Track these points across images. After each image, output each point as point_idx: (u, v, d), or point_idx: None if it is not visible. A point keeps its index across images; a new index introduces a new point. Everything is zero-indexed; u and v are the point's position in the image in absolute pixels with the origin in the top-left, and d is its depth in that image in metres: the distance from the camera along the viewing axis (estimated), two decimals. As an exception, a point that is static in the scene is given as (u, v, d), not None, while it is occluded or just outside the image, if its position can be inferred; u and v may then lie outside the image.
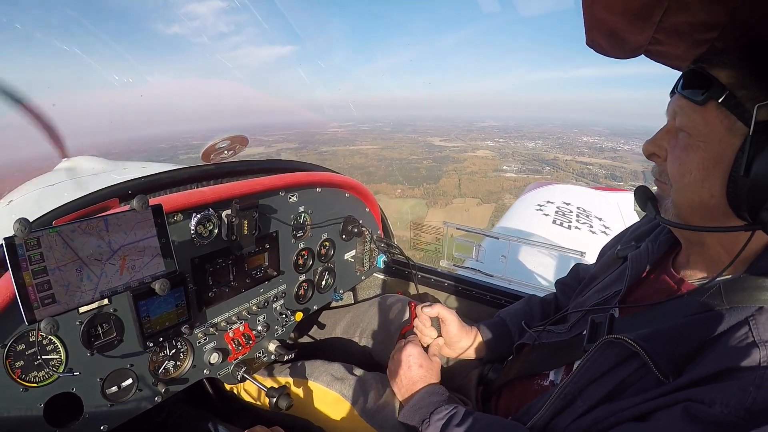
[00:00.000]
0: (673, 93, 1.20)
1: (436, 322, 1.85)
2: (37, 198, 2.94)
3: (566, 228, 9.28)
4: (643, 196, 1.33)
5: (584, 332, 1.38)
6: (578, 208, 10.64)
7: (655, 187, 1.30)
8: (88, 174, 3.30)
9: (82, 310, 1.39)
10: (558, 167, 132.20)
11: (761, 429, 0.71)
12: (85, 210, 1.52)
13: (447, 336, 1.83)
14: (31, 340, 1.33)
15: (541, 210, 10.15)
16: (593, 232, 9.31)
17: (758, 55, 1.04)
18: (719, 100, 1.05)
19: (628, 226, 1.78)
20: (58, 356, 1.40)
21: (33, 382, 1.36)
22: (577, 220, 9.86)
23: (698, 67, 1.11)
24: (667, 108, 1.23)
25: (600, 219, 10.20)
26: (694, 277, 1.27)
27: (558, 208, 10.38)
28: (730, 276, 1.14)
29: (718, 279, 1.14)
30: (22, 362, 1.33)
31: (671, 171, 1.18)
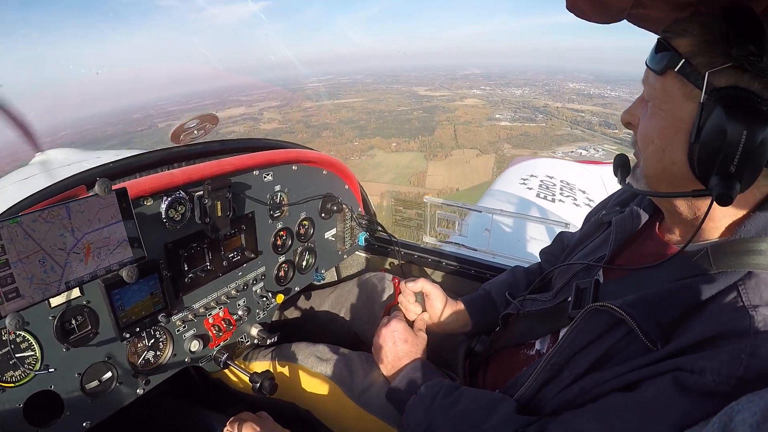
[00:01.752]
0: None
1: (421, 297, 1.83)
2: (9, 193, 2.89)
3: (550, 201, 9.36)
4: (616, 164, 1.35)
5: (569, 299, 1.37)
6: (562, 181, 10.73)
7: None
8: (61, 165, 3.24)
9: (53, 303, 1.35)
10: (551, 115, 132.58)
11: (755, 393, 0.69)
12: (51, 200, 1.46)
13: (432, 310, 1.82)
14: (3, 338, 1.28)
15: (525, 184, 10.22)
16: (577, 205, 9.41)
17: (722, 22, 1.04)
18: (675, 69, 1.06)
19: (612, 193, 1.77)
20: (33, 354, 1.35)
21: (9, 382, 1.31)
22: (561, 193, 9.95)
23: (663, 36, 1.12)
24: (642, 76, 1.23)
25: (583, 192, 10.31)
26: (679, 242, 1.27)
27: (542, 181, 10.46)
28: (717, 239, 1.14)
29: (705, 243, 1.14)
30: None
31: (639, 140, 1.20)
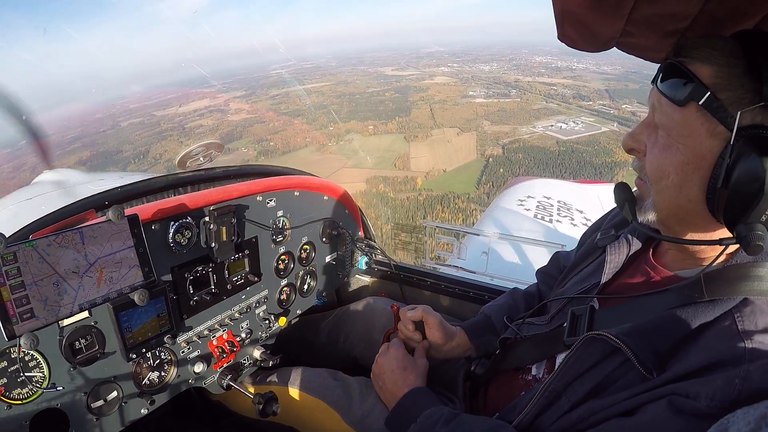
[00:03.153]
0: (654, 82, 1.13)
1: (421, 325, 1.84)
2: (15, 212, 2.92)
3: (547, 222, 9.37)
4: (621, 197, 1.27)
5: (564, 324, 1.38)
6: (559, 201, 10.73)
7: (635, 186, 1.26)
8: (66, 186, 3.28)
9: (63, 323, 1.38)
10: (524, 90, 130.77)
11: (750, 406, 0.72)
12: (62, 222, 1.50)
13: (432, 339, 1.82)
14: (12, 356, 1.32)
15: (522, 205, 10.23)
16: (574, 225, 9.40)
17: (745, 50, 0.98)
18: (700, 102, 0.99)
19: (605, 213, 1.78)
20: (40, 372, 1.38)
21: (17, 400, 1.35)
22: (558, 214, 9.95)
23: (678, 61, 1.05)
24: (648, 97, 1.17)
25: (581, 212, 10.30)
26: (675, 267, 1.26)
27: (539, 202, 10.47)
28: (713, 266, 1.10)
29: (700, 269, 1.11)
30: (4, 380, 1.32)
31: (650, 171, 1.14)
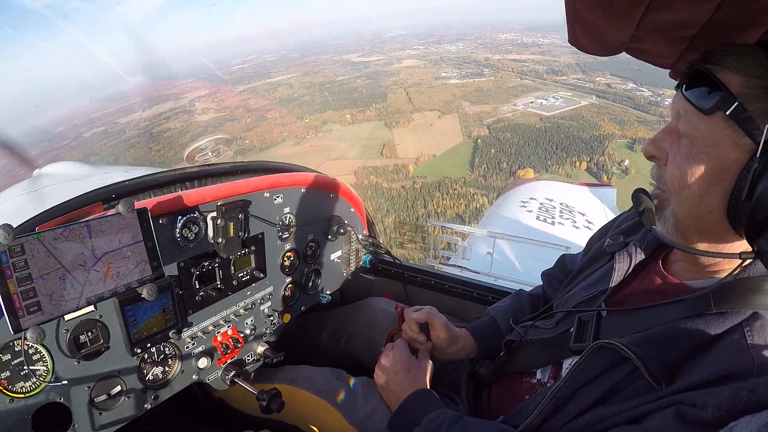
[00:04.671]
0: (679, 88, 1.11)
1: (425, 327, 1.83)
2: (20, 204, 2.91)
3: (550, 224, 9.38)
4: (640, 204, 1.23)
5: (571, 329, 1.37)
6: (561, 203, 10.76)
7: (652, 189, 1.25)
8: (70, 179, 3.27)
9: (67, 317, 1.38)
10: (496, 68, 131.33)
11: (753, 415, 0.72)
12: (69, 215, 1.49)
13: (436, 340, 1.81)
14: (17, 349, 1.32)
15: (525, 207, 10.26)
16: (576, 227, 9.43)
17: None
18: (727, 112, 0.97)
19: (614, 217, 1.77)
20: (44, 366, 1.38)
21: (20, 393, 1.34)
22: (561, 216, 9.97)
23: (706, 68, 1.02)
24: (671, 103, 1.16)
25: (583, 214, 10.33)
26: (684, 276, 1.26)
27: (541, 204, 10.50)
28: (725, 278, 1.10)
29: (711, 281, 1.13)
30: (8, 373, 1.31)
31: (670, 180, 1.12)
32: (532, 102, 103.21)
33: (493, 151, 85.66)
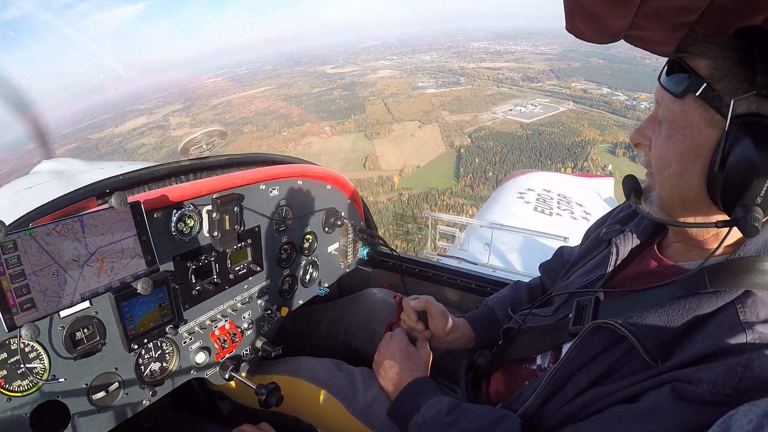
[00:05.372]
0: (659, 78, 1.18)
1: (423, 315, 1.84)
2: (14, 201, 2.89)
3: (548, 215, 9.40)
4: (628, 187, 1.33)
5: (570, 315, 1.39)
6: (559, 194, 10.78)
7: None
8: (66, 175, 3.25)
9: (63, 314, 1.36)
10: (472, 76, 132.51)
11: (752, 403, 0.72)
12: (63, 210, 1.48)
13: (434, 329, 1.83)
14: (12, 348, 1.30)
15: (522, 198, 10.26)
16: (574, 218, 9.45)
17: (741, 44, 1.03)
18: (697, 93, 1.05)
19: (611, 209, 1.80)
20: (41, 364, 1.36)
21: (17, 392, 1.33)
22: (558, 207, 9.99)
23: (678, 56, 1.10)
24: (654, 95, 1.22)
25: (581, 205, 10.35)
26: (679, 259, 1.29)
27: (539, 195, 10.51)
28: (718, 257, 1.15)
29: (703, 263, 1.15)
30: (4, 371, 1.30)
31: (653, 162, 1.19)
32: (511, 109, 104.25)
33: (477, 160, 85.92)
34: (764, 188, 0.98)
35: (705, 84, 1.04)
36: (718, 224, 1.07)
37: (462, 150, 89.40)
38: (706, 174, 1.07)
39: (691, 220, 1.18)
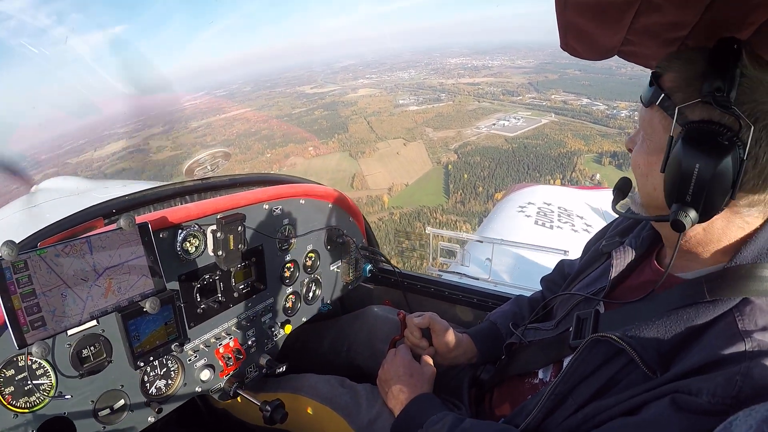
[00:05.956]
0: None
1: (427, 332, 1.85)
2: (21, 220, 2.91)
3: (548, 228, 9.37)
4: (616, 187, 1.39)
5: (570, 329, 1.40)
6: (559, 207, 10.74)
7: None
8: (69, 194, 3.27)
9: (70, 332, 1.38)
10: (452, 92, 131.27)
11: (751, 408, 0.74)
12: (70, 231, 1.51)
13: (438, 345, 1.83)
14: (20, 365, 1.32)
15: (523, 211, 10.24)
16: (575, 231, 9.41)
17: (705, 57, 1.08)
18: (657, 103, 1.13)
19: (610, 221, 1.81)
20: (48, 380, 1.38)
21: (24, 408, 1.34)
22: (559, 220, 9.96)
23: (654, 71, 1.17)
24: None
25: (581, 218, 10.31)
26: (676, 270, 1.29)
27: (539, 209, 10.47)
28: (713, 267, 1.17)
29: (701, 270, 1.19)
30: (12, 388, 1.32)
31: (632, 165, 1.27)
32: (494, 124, 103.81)
33: (465, 176, 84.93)
34: (691, 187, 1.04)
35: (663, 94, 1.12)
36: (657, 218, 1.19)
37: (450, 166, 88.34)
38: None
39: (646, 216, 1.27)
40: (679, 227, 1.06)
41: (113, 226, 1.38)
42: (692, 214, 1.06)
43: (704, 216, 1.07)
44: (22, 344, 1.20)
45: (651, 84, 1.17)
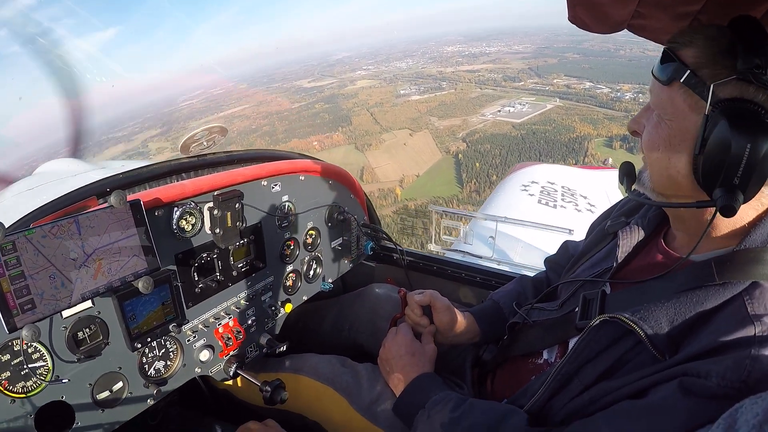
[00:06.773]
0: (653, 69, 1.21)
1: (428, 310, 1.83)
2: (15, 202, 2.88)
3: (552, 207, 9.35)
4: (622, 172, 1.36)
5: (576, 309, 1.38)
6: (563, 187, 10.71)
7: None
8: (68, 175, 3.24)
9: (65, 314, 1.35)
10: (453, 80, 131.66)
11: (758, 396, 0.71)
12: (63, 210, 1.47)
13: (439, 323, 1.81)
14: (15, 349, 1.30)
15: (526, 190, 10.20)
16: (579, 210, 9.39)
17: (728, 33, 1.06)
18: (681, 80, 1.08)
19: (615, 202, 1.78)
20: (44, 364, 1.36)
21: (21, 393, 1.32)
22: (563, 199, 9.93)
23: (669, 46, 1.13)
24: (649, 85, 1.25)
25: (585, 197, 10.29)
26: (684, 251, 1.27)
27: (543, 187, 10.44)
28: (723, 249, 1.16)
29: (710, 253, 1.17)
30: (8, 373, 1.29)
31: (644, 146, 1.22)
32: (499, 111, 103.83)
33: (477, 165, 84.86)
34: (741, 169, 1.00)
35: (689, 71, 1.07)
36: (700, 204, 1.11)
37: (459, 155, 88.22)
38: (691, 157, 1.09)
39: (681, 201, 1.20)
40: (731, 212, 1.03)
41: (105, 205, 1.34)
42: (740, 197, 1.02)
43: (748, 198, 1.05)
44: (13, 328, 1.17)
45: (666, 60, 1.13)
